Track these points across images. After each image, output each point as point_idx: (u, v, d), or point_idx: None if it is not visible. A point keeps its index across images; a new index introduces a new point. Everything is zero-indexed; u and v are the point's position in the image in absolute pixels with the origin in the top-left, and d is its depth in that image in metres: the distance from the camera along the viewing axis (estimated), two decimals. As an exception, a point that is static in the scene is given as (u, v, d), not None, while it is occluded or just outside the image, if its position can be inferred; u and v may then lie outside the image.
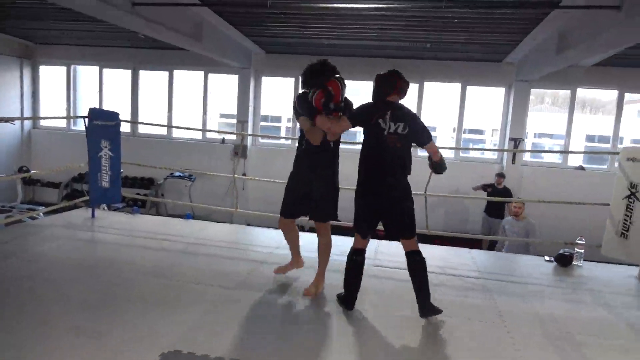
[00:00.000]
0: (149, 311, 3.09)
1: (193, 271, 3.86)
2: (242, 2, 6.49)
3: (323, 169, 3.39)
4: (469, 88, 9.52)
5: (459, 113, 9.58)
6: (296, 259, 3.83)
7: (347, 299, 3.29)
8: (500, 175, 8.59)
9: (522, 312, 3.40)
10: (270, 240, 4.80)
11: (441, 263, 4.40)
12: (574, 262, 4.42)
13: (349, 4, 6.08)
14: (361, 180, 3.22)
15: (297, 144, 3.50)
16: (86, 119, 4.71)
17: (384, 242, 4.96)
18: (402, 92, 3.27)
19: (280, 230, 3.69)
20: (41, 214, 8.68)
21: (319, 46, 9.02)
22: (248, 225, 8.59)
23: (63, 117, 9.76)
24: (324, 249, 3.52)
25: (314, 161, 3.38)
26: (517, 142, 9.00)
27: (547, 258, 4.60)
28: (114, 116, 4.90)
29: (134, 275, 3.70)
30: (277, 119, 13.88)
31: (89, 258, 4.09)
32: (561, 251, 4.50)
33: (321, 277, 3.54)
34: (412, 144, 3.28)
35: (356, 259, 3.27)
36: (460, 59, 9.18)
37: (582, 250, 4.42)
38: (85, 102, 11.02)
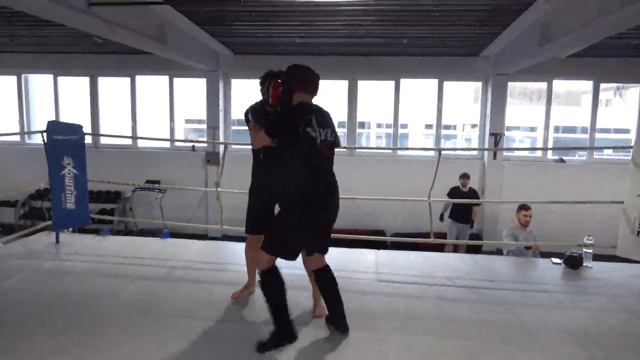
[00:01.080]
0: (129, 354, 2.64)
1: (177, 301, 3.41)
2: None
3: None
4: (445, 83, 9.35)
5: (437, 109, 9.38)
6: (251, 282, 3.52)
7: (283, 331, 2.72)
8: (465, 176, 7.87)
9: (551, 328, 3.12)
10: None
11: (447, 272, 4.10)
12: (584, 264, 4.21)
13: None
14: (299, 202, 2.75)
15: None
16: (44, 134, 4.16)
17: (381, 252, 4.63)
18: (315, 89, 2.90)
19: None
20: (-4, 237, 7.98)
21: (290, 45, 8.64)
22: (224, 237, 8.15)
23: (17, 134, 8.97)
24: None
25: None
26: (497, 137, 8.88)
27: (555, 260, 4.37)
28: (76, 129, 4.35)
29: (111, 310, 3.22)
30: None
31: (56, 293, 3.56)
32: (569, 252, 4.28)
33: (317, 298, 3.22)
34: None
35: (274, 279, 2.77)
36: (437, 54, 8.98)
37: (591, 251, 4.22)
38: (40, 114, 10.23)
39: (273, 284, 2.72)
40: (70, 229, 5.11)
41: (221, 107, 9.58)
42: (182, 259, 4.39)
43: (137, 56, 9.14)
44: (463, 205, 7.65)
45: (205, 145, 9.58)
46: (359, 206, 8.47)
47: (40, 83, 10.22)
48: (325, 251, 2.95)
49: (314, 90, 2.88)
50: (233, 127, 9.93)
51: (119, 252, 4.51)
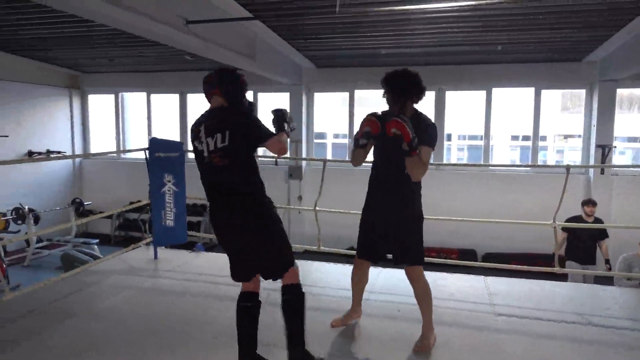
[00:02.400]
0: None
1: (277, 329, 3.22)
2: (303, 11, 5.92)
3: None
4: (543, 92, 8.65)
5: (533, 119, 8.69)
6: (356, 308, 3.26)
7: None
8: (591, 203, 6.15)
9: None
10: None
11: (577, 307, 3.59)
12: None
13: (424, 4, 5.39)
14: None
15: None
16: (147, 151, 4.21)
17: (490, 278, 4.20)
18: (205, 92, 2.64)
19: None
20: (95, 247, 8.41)
21: (374, 57, 8.41)
22: (305, 252, 7.98)
23: (123, 151, 9.48)
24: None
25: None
26: (605, 149, 8.02)
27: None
28: (177, 146, 4.38)
29: (214, 334, 3.09)
30: (322, 135, 13.32)
31: (159, 314, 3.52)
32: None
33: (429, 328, 2.91)
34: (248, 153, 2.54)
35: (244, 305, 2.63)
36: (534, 60, 8.32)
37: None
38: (134, 129, 10.79)
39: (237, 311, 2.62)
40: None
41: (304, 120, 9.53)
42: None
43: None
44: (585, 242, 6.10)
45: (288, 159, 9.55)
46: (442, 223, 7.98)
47: (134, 100, 10.78)
48: (266, 276, 2.61)
49: (205, 92, 2.65)
50: (315, 141, 9.84)
51: (214, 271, 4.45)
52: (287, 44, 7.79)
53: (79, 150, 10.66)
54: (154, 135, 10.22)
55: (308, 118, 9.68)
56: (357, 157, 2.94)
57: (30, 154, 9.51)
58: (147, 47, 8.06)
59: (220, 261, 4.99)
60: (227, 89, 2.56)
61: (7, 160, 7.54)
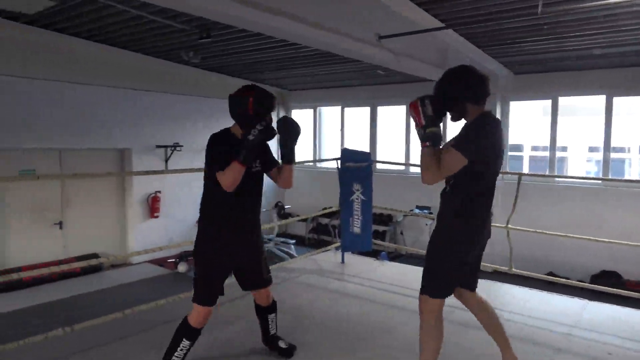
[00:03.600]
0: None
1: (459, 349, 3.06)
2: (499, 15, 5.59)
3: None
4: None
5: None
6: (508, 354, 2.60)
7: None
8: None
9: None
10: (560, 315, 3.67)
11: None
12: None
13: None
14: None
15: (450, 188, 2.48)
16: (338, 161, 4.50)
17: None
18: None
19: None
20: (292, 246, 9.31)
21: (584, 58, 7.40)
22: (494, 271, 7.42)
23: (317, 161, 10.38)
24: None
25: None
26: None
27: None
28: (366, 157, 4.58)
29: (393, 345, 3.11)
30: (518, 148, 12.25)
31: (342, 317, 3.71)
32: None
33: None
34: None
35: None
36: None
37: None
38: (329, 140, 11.63)
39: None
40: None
41: (497, 131, 8.94)
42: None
43: (414, 85, 9.39)
44: None
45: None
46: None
47: (329, 114, 11.64)
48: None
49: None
50: (510, 153, 9.14)
51: (397, 281, 4.49)
52: (482, 51, 7.43)
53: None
54: (346, 146, 10.87)
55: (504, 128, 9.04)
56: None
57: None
58: (342, 64, 8.64)
59: (404, 271, 5.02)
60: (231, 113, 2.56)
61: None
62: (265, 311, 2.92)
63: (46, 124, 7.38)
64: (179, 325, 2.60)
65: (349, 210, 4.52)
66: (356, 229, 4.55)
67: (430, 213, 9.02)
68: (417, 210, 9.15)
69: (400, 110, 10.12)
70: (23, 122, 7.17)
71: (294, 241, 9.69)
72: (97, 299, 6.69)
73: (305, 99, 11.80)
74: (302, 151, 11.95)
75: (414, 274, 4.90)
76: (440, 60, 6.95)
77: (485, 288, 4.46)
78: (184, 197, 9.08)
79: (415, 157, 9.94)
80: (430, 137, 2.25)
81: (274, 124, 2.51)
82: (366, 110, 10.74)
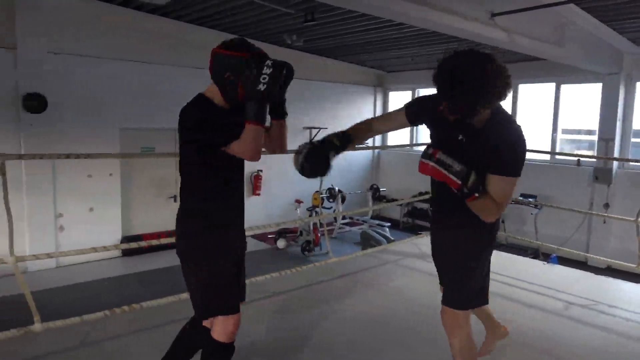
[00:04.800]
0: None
1: (577, 345, 2.89)
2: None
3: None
4: None
5: None
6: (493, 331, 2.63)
7: None
8: None
9: None
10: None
11: None
12: None
13: None
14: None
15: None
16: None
17: None
18: None
19: None
20: (387, 229, 9.30)
21: None
22: (607, 269, 6.83)
23: (413, 145, 10.19)
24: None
25: None
26: None
27: None
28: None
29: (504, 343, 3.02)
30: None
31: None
32: None
33: None
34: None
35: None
36: None
37: None
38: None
39: None
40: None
41: (619, 116, 8.11)
42: (571, 292, 3.84)
43: (520, 64, 8.80)
44: None
45: (594, 160, 8.32)
46: None
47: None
48: None
49: None
50: (633, 139, 8.25)
51: (500, 269, 4.32)
52: (606, 26, 6.75)
53: (377, 142, 11.92)
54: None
55: (625, 112, 8.17)
56: None
57: (340, 143, 11.19)
58: (446, 44, 8.32)
59: (507, 259, 4.82)
60: (215, 74, 1.98)
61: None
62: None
63: (165, 106, 8.04)
64: (206, 352, 2.06)
65: (454, 195, 4.41)
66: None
67: (536, 205, 8.50)
68: (521, 199, 8.65)
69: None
70: (147, 105, 7.88)
71: (389, 224, 9.68)
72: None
73: (403, 81, 11.60)
74: (398, 134, 11.80)
75: (518, 264, 4.71)
76: (557, 38, 6.42)
77: (612, 287, 4.17)
78: (282, 177, 9.44)
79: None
80: (474, 187, 1.86)
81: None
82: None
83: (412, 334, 3.13)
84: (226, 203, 2.06)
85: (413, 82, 11.32)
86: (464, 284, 2.11)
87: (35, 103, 6.66)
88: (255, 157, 1.91)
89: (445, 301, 2.14)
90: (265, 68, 1.81)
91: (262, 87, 1.80)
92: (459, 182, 1.84)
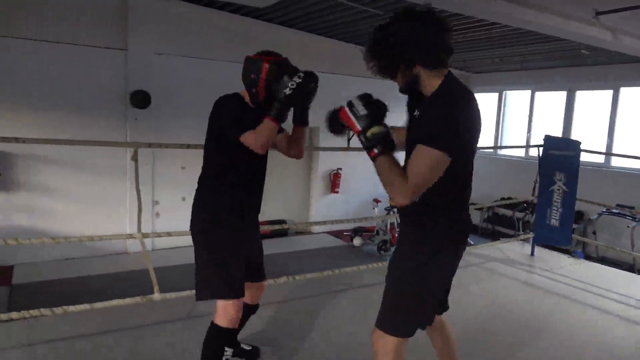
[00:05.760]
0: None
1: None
2: None
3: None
4: None
5: None
6: None
7: None
8: None
9: None
10: None
11: None
12: None
13: None
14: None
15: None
16: (540, 148, 4.25)
17: None
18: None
19: None
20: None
21: None
22: None
23: (499, 147, 9.82)
24: None
25: None
26: None
27: None
28: (574, 145, 4.24)
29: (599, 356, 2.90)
30: None
31: (532, 308, 3.57)
32: None
33: None
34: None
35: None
36: None
37: None
38: (512, 127, 10.90)
39: None
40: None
41: None
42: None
43: (624, 66, 8.22)
44: None
45: None
46: None
47: (516, 98, 10.87)
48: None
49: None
50: None
51: (595, 281, 4.12)
52: None
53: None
54: (532, 133, 10.07)
55: None
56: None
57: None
58: (540, 44, 7.97)
59: (601, 272, 4.57)
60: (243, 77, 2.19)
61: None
62: (251, 310, 2.43)
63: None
64: (208, 337, 2.11)
65: (547, 201, 4.26)
66: (554, 221, 4.26)
67: (634, 217, 7.90)
68: (617, 211, 8.09)
69: (604, 96, 8.95)
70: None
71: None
72: (285, 259, 7.55)
73: (489, 82, 11.21)
74: (482, 137, 11.45)
75: (613, 277, 4.44)
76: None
77: None
78: (361, 176, 9.54)
79: (620, 147, 8.73)
80: (375, 140, 1.61)
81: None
82: (561, 95, 9.75)
83: (497, 338, 3.10)
84: (238, 195, 2.16)
85: (501, 84, 10.92)
86: (397, 302, 1.78)
87: (141, 99, 7.30)
88: (262, 149, 2.05)
89: (377, 320, 1.82)
90: (295, 77, 1.99)
91: (287, 91, 1.97)
92: (359, 128, 1.65)
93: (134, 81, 7.33)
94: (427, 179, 1.56)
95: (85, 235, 3.57)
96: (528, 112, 10.27)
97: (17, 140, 3.02)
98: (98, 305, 2.83)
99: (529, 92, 10.28)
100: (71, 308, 2.77)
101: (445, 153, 1.53)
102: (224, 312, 2.05)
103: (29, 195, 6.97)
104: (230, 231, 2.12)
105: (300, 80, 1.99)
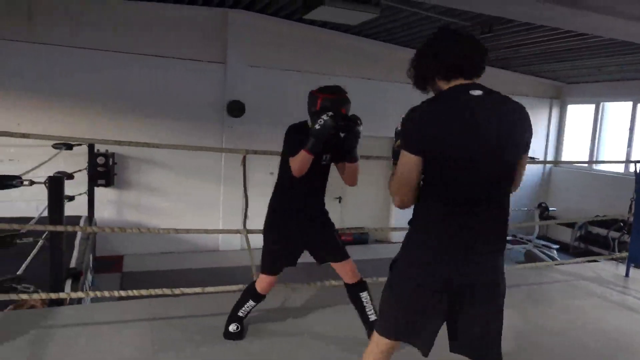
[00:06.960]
0: None
1: None
2: None
3: None
4: None
5: None
6: None
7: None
8: None
9: None
10: None
11: None
12: None
13: None
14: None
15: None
16: (638, 165, 4.07)
17: None
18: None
19: None
20: (554, 251, 8.69)
21: None
22: None
23: (594, 162, 9.28)
24: None
25: None
26: None
27: None
28: (677, 162, 4.01)
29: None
30: None
31: (623, 331, 3.44)
32: None
33: None
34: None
35: None
36: None
37: None
38: (610, 141, 10.23)
39: None
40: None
41: None
42: None
43: None
44: None
45: None
46: None
47: (615, 111, 10.19)
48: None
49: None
50: None
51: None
52: None
53: (550, 157, 11.10)
54: (633, 148, 9.39)
55: None
56: None
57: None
58: (632, 56, 7.52)
59: None
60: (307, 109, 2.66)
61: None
62: (355, 289, 2.84)
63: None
64: (248, 287, 2.94)
65: (644, 219, 4.06)
66: (648, 240, 4.04)
67: None
68: None
69: None
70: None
71: (557, 246, 9.01)
72: (365, 266, 7.71)
73: (585, 93, 10.62)
74: (575, 151, 10.85)
75: None
76: None
77: None
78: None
79: None
80: (394, 153, 1.75)
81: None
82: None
83: (586, 353, 3.04)
84: (291, 202, 2.74)
85: (598, 95, 10.31)
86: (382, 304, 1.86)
87: (236, 108, 7.89)
88: (297, 174, 2.51)
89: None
90: (325, 115, 2.42)
91: (317, 127, 2.42)
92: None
93: (231, 92, 7.95)
94: (403, 179, 1.65)
95: (195, 229, 4.01)
96: (629, 125, 9.61)
97: (129, 143, 3.55)
98: (210, 289, 3.32)
99: (630, 103, 9.62)
100: (187, 290, 3.29)
101: (409, 152, 1.61)
102: (261, 280, 2.83)
103: (137, 193, 7.81)
104: (277, 231, 2.77)
105: (327, 118, 2.41)
